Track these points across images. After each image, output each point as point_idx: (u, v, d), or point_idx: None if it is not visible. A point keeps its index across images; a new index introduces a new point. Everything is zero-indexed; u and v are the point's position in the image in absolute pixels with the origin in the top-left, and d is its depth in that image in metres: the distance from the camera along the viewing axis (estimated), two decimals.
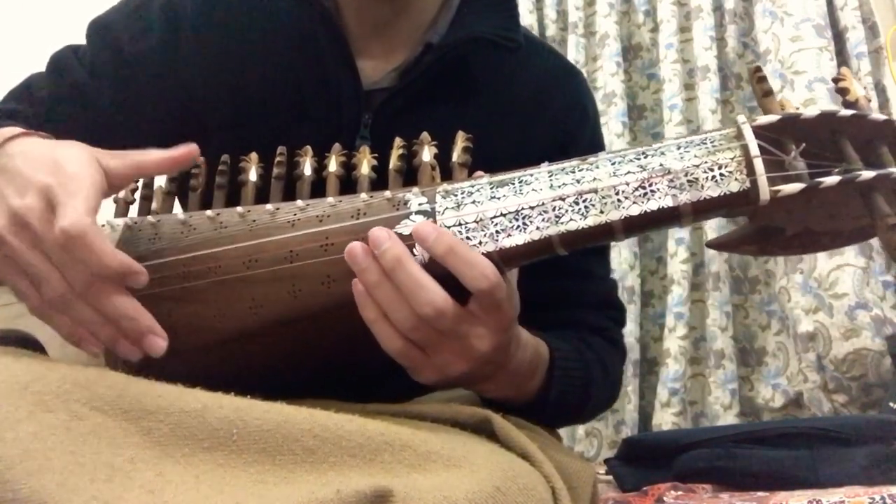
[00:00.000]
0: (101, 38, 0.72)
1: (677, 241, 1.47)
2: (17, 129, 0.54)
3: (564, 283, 0.72)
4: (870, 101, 0.47)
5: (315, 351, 0.54)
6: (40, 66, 0.73)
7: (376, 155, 0.57)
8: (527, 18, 1.67)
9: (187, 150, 0.54)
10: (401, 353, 0.50)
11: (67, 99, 0.70)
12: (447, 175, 0.54)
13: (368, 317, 0.49)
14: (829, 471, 0.91)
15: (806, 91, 1.36)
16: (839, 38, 1.43)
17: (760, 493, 0.89)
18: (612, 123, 1.56)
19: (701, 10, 1.54)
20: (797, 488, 0.88)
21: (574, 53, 1.64)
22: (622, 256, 1.50)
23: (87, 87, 0.70)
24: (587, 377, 0.67)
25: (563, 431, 1.37)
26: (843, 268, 1.26)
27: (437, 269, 0.48)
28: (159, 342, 0.48)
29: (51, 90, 0.70)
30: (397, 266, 0.47)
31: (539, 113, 0.74)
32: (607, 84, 1.60)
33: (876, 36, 1.43)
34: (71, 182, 0.47)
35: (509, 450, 0.47)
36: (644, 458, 1.09)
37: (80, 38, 0.74)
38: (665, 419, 1.38)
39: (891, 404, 1.13)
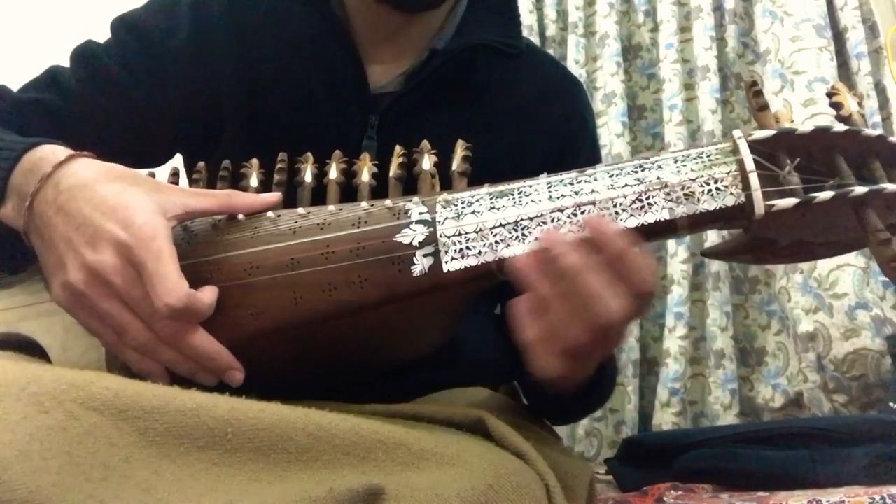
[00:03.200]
0: (130, 34, 0.74)
1: (677, 241, 1.47)
2: (61, 150, 0.52)
3: None
4: (863, 115, 0.48)
5: (315, 357, 0.54)
6: (38, 64, 0.74)
7: (377, 162, 0.57)
8: (527, 18, 1.67)
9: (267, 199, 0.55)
10: (559, 372, 0.46)
11: (98, 90, 0.71)
12: (447, 183, 0.54)
13: (525, 339, 0.46)
14: (829, 471, 0.91)
15: (806, 91, 1.35)
16: (839, 38, 1.43)
17: (760, 493, 0.89)
18: (612, 123, 1.56)
19: (701, 10, 1.54)
20: (797, 488, 0.88)
21: (574, 53, 1.64)
22: None
23: (118, 79, 0.72)
24: (614, 362, 0.69)
25: (562, 432, 1.37)
26: (843, 268, 1.26)
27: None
28: (238, 375, 0.50)
29: (80, 81, 0.71)
30: (577, 274, 0.43)
31: (540, 118, 0.76)
32: (607, 84, 1.60)
33: (876, 36, 1.43)
34: (148, 239, 0.46)
35: (504, 449, 0.48)
36: (644, 458, 1.09)
37: (79, 38, 0.75)
38: (665, 419, 1.38)
39: (891, 404, 1.13)
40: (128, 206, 0.48)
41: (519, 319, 0.46)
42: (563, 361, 0.46)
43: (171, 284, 0.46)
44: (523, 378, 0.70)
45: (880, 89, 1.39)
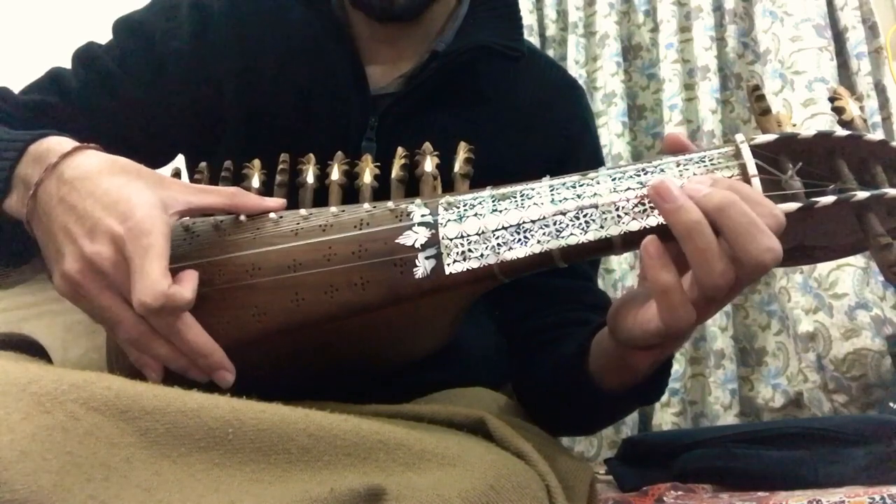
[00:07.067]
0: (131, 35, 0.74)
1: None
2: (67, 142, 0.52)
3: (571, 283, 0.73)
4: (865, 120, 0.48)
5: (316, 358, 0.54)
6: (39, 66, 0.74)
7: (378, 164, 0.57)
8: (527, 18, 1.67)
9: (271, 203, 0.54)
10: (691, 324, 0.44)
11: (99, 91, 0.71)
12: (449, 185, 0.54)
13: (665, 281, 0.44)
14: (829, 471, 0.91)
15: (806, 91, 1.36)
16: (839, 38, 1.43)
17: (760, 493, 0.89)
18: (612, 123, 1.56)
19: (701, 10, 1.54)
20: (797, 488, 0.88)
21: (574, 53, 1.65)
22: (622, 256, 1.50)
23: (118, 80, 0.72)
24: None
25: None
26: (843, 268, 1.26)
27: None
28: (228, 377, 0.50)
29: (81, 82, 0.71)
30: (730, 206, 0.42)
31: (541, 121, 0.76)
32: (607, 84, 1.60)
33: (876, 36, 1.43)
34: (141, 234, 0.46)
35: (504, 449, 0.48)
36: (644, 458, 1.09)
37: (80, 39, 0.75)
38: (665, 419, 1.38)
39: (891, 404, 1.13)
40: (129, 199, 0.48)
41: (650, 263, 0.44)
42: (691, 310, 0.44)
43: (150, 282, 0.45)
44: (565, 376, 0.64)
45: (880, 89, 1.39)
